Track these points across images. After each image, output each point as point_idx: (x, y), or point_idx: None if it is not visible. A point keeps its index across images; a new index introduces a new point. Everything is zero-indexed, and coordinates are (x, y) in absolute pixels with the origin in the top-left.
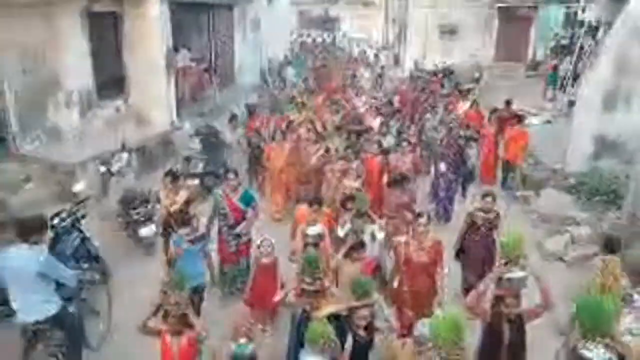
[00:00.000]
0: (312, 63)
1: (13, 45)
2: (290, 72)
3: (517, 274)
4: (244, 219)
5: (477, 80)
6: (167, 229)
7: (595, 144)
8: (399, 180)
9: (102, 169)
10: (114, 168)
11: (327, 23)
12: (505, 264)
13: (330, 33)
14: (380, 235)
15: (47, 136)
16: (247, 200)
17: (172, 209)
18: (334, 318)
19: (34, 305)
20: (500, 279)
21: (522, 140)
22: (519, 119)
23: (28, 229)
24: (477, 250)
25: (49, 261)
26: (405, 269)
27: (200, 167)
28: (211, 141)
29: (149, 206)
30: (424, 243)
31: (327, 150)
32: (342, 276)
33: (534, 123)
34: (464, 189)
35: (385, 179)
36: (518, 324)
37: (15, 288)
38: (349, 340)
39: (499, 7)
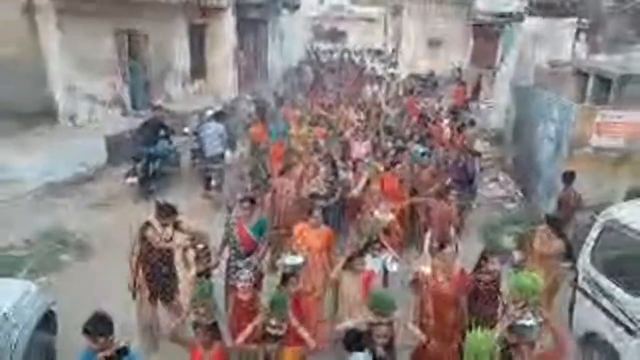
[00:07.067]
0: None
1: (152, 44)
2: (308, 69)
3: (531, 320)
4: (254, 250)
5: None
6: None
7: (505, 111)
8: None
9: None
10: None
11: (336, 37)
12: (522, 307)
13: (339, 45)
14: (394, 267)
15: (164, 99)
16: (261, 229)
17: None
18: (351, 332)
19: (215, 148)
20: (512, 326)
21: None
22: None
23: (218, 117)
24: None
25: (224, 130)
26: (431, 303)
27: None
28: (263, 105)
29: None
30: (450, 273)
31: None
32: (344, 289)
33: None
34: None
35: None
36: None
37: (207, 141)
38: (367, 357)
39: (474, 25)
